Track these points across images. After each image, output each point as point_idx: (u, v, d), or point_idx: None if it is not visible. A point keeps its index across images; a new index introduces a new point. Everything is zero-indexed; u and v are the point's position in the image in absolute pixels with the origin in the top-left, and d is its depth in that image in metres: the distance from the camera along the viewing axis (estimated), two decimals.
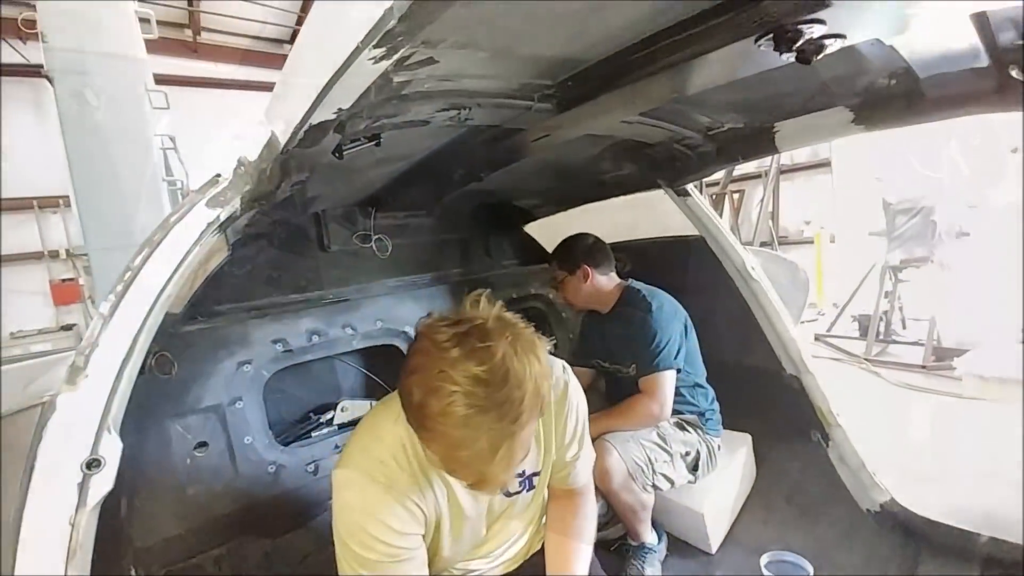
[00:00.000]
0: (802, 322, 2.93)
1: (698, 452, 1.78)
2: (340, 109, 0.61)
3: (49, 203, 5.89)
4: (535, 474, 1.12)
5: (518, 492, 1.12)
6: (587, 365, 2.05)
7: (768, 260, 2.08)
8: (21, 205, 5.82)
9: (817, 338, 5.86)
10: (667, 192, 1.89)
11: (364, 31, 0.45)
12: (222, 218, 0.88)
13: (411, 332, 2.01)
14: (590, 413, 1.77)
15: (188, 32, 7.11)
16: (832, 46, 0.86)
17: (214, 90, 7.22)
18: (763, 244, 7.59)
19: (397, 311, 2.01)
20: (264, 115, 0.78)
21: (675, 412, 1.78)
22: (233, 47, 7.53)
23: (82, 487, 0.67)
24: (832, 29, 0.84)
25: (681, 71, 0.97)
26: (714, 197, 8.26)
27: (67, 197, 5.02)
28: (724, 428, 1.95)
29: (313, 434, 1.87)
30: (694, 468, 1.77)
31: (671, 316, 1.81)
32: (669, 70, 0.95)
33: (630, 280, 1.96)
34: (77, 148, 2.83)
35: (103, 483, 0.69)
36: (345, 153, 1.03)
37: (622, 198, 2.13)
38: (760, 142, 1.50)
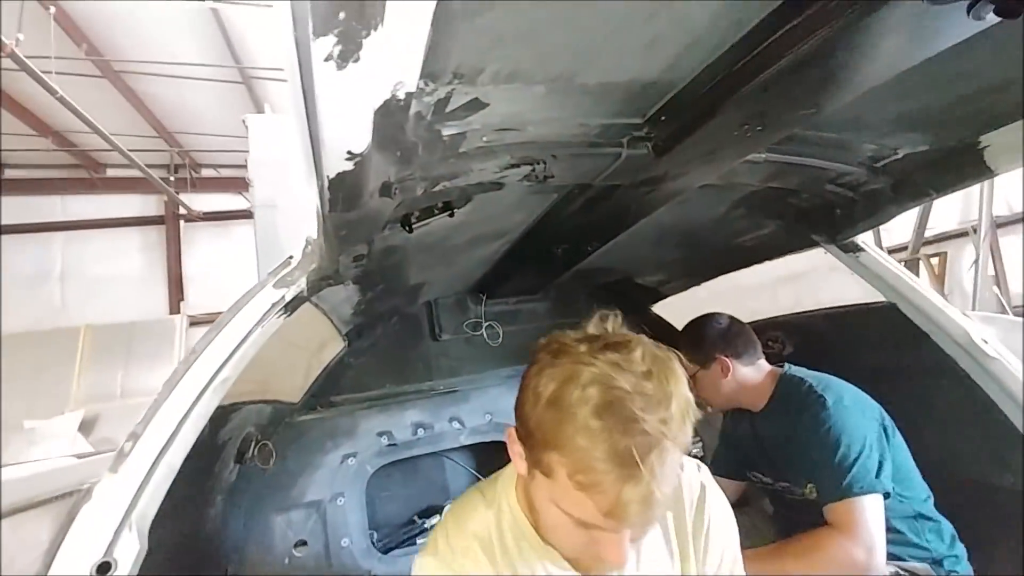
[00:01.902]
0: None
1: None
2: (350, 152, 0.53)
3: None
4: None
5: None
6: (738, 477, 1.59)
7: (1010, 330, 1.46)
8: None
9: None
10: (829, 251, 1.50)
11: (309, 22, 0.36)
12: (287, 298, 0.86)
13: None
14: (756, 545, 1.33)
15: None
16: None
17: None
18: None
19: (508, 404, 1.83)
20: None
21: (892, 557, 1.21)
22: None
23: None
24: None
25: (812, 72, 0.73)
26: (904, 264, 6.78)
27: None
28: None
29: (418, 540, 1.71)
30: None
31: (859, 413, 1.31)
32: (795, 73, 0.71)
33: (787, 366, 1.52)
34: (264, 264, 3.44)
35: None
36: (415, 227, 0.98)
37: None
38: (962, 166, 1.09)
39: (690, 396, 0.64)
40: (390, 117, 0.58)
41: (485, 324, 1.92)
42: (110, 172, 7.94)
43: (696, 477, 0.88)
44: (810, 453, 1.29)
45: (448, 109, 0.67)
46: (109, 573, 0.60)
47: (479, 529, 0.81)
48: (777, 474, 1.45)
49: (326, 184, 0.59)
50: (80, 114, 5.04)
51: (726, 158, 1.01)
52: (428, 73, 0.59)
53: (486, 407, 1.81)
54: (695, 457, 1.33)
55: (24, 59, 4.25)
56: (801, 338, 1.85)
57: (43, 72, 4.47)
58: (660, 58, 0.71)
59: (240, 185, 7.45)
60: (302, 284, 0.88)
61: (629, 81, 0.75)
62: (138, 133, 6.91)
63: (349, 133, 0.52)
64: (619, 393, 0.60)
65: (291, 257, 0.90)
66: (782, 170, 1.16)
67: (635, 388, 0.60)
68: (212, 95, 6.47)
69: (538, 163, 0.90)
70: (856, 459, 1.22)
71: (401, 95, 0.53)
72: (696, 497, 0.86)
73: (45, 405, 5.46)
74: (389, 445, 1.63)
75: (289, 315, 0.88)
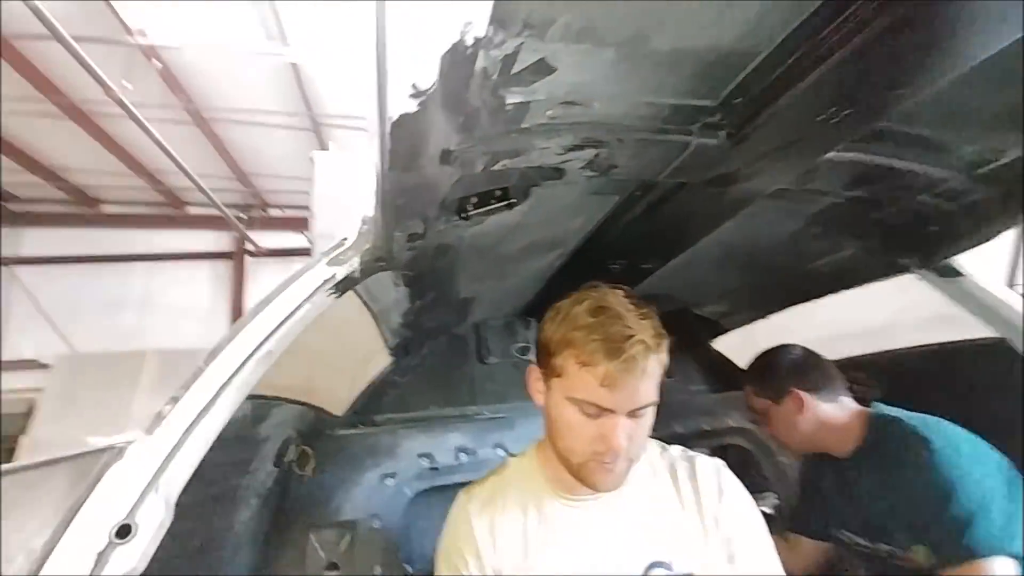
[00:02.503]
0: None
1: None
2: (415, 88, 0.51)
3: None
4: None
5: None
6: (824, 537, 1.38)
7: None
8: None
9: None
10: (922, 277, 1.35)
11: None
12: (339, 277, 0.84)
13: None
14: None
15: None
16: None
17: None
18: None
19: None
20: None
21: None
22: None
23: (100, 559, 0.54)
24: None
25: (908, 41, 0.65)
26: None
27: None
28: None
29: None
30: None
31: (975, 459, 1.12)
32: (888, 42, 0.64)
33: (878, 406, 1.34)
34: None
35: (126, 560, 0.55)
36: (472, 216, 0.95)
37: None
38: None
39: (663, 330, 0.86)
40: (457, 67, 0.56)
41: (534, 349, 1.85)
42: (189, 209, 8.70)
43: (712, 461, 1.01)
44: (917, 507, 1.10)
45: (514, 70, 0.65)
46: (129, 536, 0.55)
47: (503, 473, 1.06)
48: (874, 534, 1.24)
49: (388, 130, 0.57)
50: (175, 159, 5.58)
51: (808, 151, 0.92)
52: (498, 19, 0.57)
53: (532, 435, 1.68)
54: (766, 515, 1.20)
55: (130, 106, 4.80)
56: (892, 381, 1.64)
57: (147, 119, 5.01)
58: (739, 20, 0.66)
59: (302, 225, 7.92)
60: (355, 264, 0.86)
61: (704, 49, 0.70)
62: (216, 174, 7.55)
63: (415, 66, 0.50)
64: (607, 304, 0.85)
65: (346, 238, 0.89)
66: (867, 174, 1.06)
67: (620, 304, 0.85)
68: (283, 141, 7.03)
69: (602, 147, 0.86)
70: (976, 513, 1.02)
71: (469, 40, 0.51)
72: (711, 469, 0.99)
73: (109, 423, 5.74)
74: (430, 468, 1.55)
75: (339, 295, 0.86)
